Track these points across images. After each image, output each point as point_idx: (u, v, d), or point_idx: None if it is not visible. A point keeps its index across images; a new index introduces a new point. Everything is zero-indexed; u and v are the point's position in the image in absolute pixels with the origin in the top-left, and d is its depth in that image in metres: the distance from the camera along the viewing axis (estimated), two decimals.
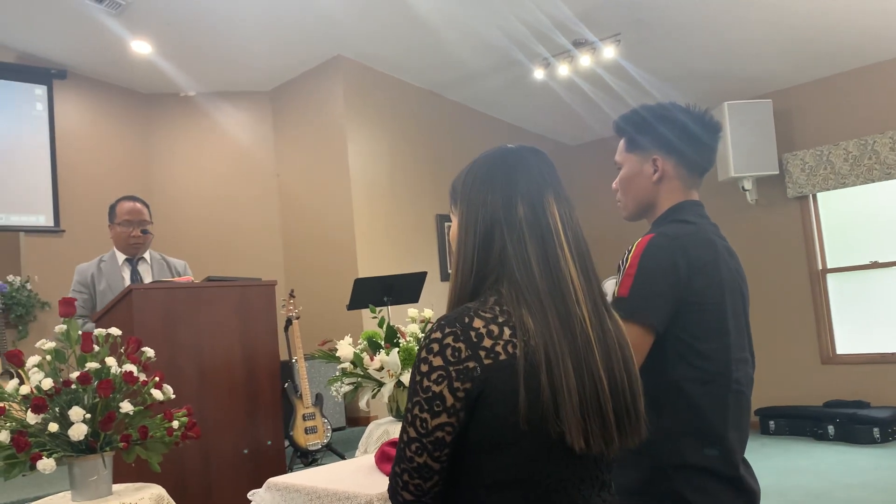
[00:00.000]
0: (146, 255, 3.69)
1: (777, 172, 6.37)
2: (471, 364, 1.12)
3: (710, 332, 1.59)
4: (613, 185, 1.85)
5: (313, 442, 4.84)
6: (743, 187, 6.50)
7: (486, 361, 1.12)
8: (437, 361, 1.13)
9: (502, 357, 1.12)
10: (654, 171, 1.76)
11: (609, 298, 1.47)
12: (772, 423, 6.31)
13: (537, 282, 1.17)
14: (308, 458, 4.81)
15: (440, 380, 1.12)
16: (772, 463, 5.29)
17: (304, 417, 4.87)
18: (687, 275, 1.58)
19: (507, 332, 1.13)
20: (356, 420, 6.13)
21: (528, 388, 1.10)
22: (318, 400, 5.02)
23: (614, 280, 1.65)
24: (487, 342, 1.12)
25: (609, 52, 5.67)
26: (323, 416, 4.98)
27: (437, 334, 1.15)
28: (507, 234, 1.20)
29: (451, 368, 1.12)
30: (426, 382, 1.14)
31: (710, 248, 1.65)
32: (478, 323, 1.14)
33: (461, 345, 1.12)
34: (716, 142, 1.78)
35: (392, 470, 1.20)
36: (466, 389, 1.12)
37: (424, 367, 1.14)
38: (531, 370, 1.11)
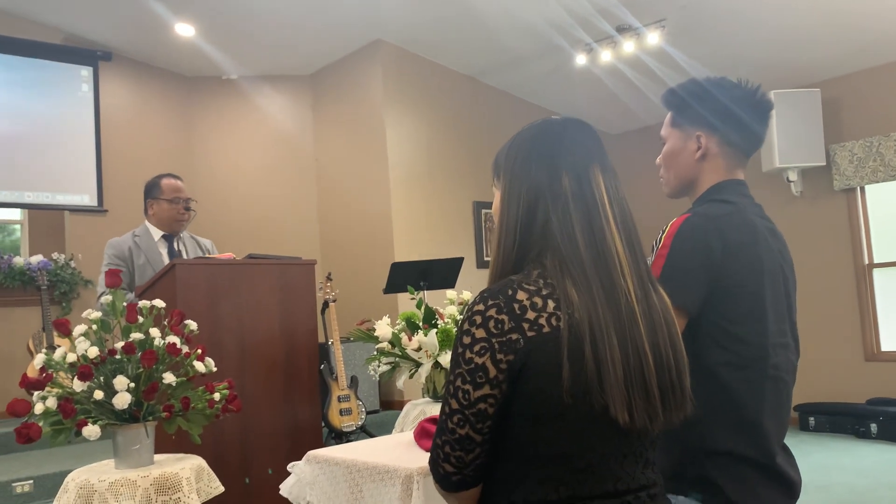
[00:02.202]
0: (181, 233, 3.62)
1: (824, 164, 6.22)
2: (514, 336, 1.10)
3: (746, 315, 1.54)
4: (657, 160, 1.81)
5: (347, 423, 4.88)
6: (788, 178, 6.35)
7: (530, 334, 1.10)
8: (480, 333, 1.12)
9: (546, 330, 1.10)
10: (698, 147, 1.71)
11: None
12: (812, 419, 6.19)
13: (582, 254, 1.15)
14: (342, 440, 4.85)
15: (483, 351, 1.11)
16: (812, 459, 5.19)
17: (339, 399, 4.92)
18: (722, 257, 1.53)
19: (550, 304, 1.12)
20: (390, 403, 6.17)
21: (571, 361, 1.08)
22: (353, 382, 5.07)
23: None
24: (531, 314, 1.11)
25: (653, 38, 5.57)
26: (357, 398, 5.02)
27: (480, 306, 1.14)
28: (551, 206, 1.18)
29: (493, 340, 1.11)
30: (469, 354, 1.13)
31: (748, 230, 1.59)
32: (521, 295, 1.12)
33: (504, 317, 1.11)
34: (765, 121, 1.72)
35: (433, 441, 1.19)
36: (509, 361, 1.11)
37: (467, 339, 1.13)
38: (575, 343, 1.09)
